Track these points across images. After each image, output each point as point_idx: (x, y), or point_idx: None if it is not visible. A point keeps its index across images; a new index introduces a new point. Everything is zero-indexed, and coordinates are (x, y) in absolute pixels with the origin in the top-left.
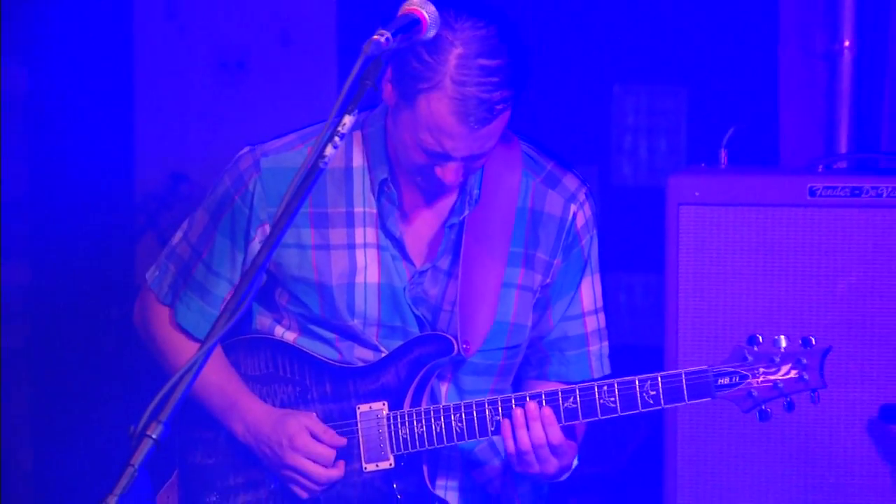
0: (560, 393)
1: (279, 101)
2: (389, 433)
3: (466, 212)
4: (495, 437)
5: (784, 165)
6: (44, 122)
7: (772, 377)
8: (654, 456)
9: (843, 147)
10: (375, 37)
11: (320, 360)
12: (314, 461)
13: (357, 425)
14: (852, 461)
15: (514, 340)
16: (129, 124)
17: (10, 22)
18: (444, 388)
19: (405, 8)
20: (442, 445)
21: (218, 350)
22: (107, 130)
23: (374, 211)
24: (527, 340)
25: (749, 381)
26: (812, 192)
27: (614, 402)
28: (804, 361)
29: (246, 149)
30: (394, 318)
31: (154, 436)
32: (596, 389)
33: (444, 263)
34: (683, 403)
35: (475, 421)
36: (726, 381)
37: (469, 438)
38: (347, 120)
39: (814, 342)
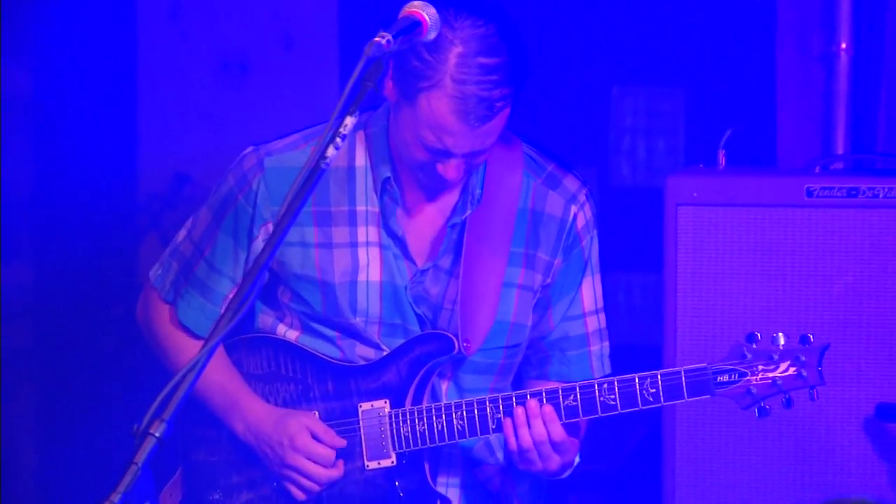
0: (560, 391)
1: (281, 103)
2: (391, 431)
3: (468, 211)
4: (496, 436)
5: (781, 166)
6: (48, 123)
7: (770, 374)
8: (653, 453)
9: (839, 148)
10: (377, 39)
11: (322, 359)
12: (314, 461)
13: (359, 423)
14: (849, 459)
15: (514, 340)
16: (132, 125)
17: (12, 22)
18: (444, 387)
19: (406, 10)
20: (443, 443)
21: (220, 349)
22: (110, 131)
23: (377, 210)
24: (527, 340)
25: (748, 378)
26: (809, 193)
27: (614, 399)
28: (802, 359)
29: (250, 148)
30: (395, 317)
31: (157, 434)
32: (596, 387)
33: (446, 262)
34: (683, 401)
35: (476, 419)
36: (725, 378)
37: (470, 436)
38: (349, 121)
39: (812, 340)
